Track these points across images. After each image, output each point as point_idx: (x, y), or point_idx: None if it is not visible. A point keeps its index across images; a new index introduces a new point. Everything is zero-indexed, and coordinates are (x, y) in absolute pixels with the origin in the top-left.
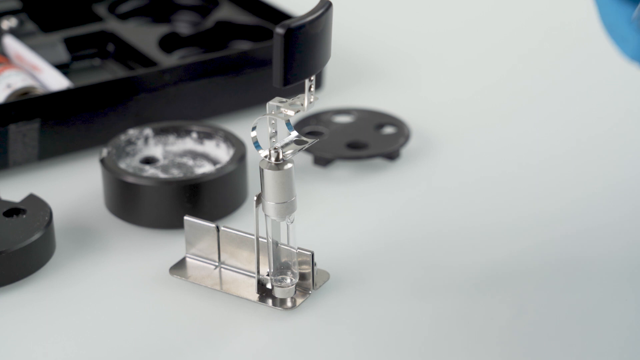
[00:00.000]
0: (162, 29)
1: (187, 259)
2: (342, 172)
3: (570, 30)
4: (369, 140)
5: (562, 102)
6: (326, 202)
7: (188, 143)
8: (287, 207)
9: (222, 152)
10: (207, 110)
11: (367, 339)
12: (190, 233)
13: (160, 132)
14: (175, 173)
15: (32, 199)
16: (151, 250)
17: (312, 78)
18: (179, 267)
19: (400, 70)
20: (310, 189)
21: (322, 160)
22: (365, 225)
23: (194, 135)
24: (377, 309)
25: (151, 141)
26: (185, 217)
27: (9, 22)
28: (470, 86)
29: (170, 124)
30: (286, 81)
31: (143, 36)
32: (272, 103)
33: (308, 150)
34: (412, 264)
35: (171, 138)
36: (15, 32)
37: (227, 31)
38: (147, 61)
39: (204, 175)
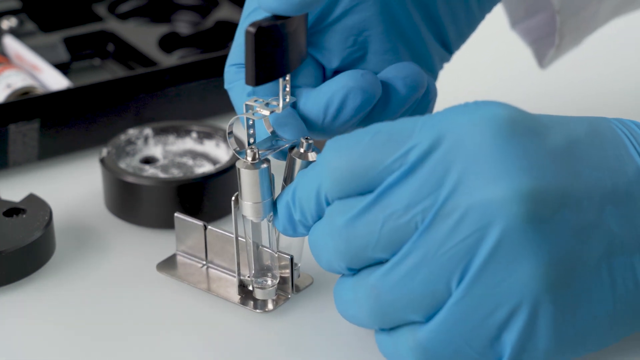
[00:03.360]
0: (162, 29)
1: (177, 256)
2: None
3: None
4: None
5: (561, 108)
6: None
7: (188, 143)
8: (263, 207)
9: (222, 152)
10: (207, 110)
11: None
12: (180, 230)
13: (160, 132)
14: (175, 173)
15: (32, 198)
16: (151, 250)
17: (287, 77)
18: (168, 263)
19: None
20: None
21: None
22: None
23: (194, 135)
24: None
25: (151, 141)
26: (176, 214)
27: (9, 22)
28: (470, 87)
29: (170, 124)
30: (258, 80)
31: (143, 36)
32: (249, 102)
33: None
34: None
35: (171, 138)
36: (15, 32)
37: (227, 31)
38: (147, 61)
39: (204, 175)
